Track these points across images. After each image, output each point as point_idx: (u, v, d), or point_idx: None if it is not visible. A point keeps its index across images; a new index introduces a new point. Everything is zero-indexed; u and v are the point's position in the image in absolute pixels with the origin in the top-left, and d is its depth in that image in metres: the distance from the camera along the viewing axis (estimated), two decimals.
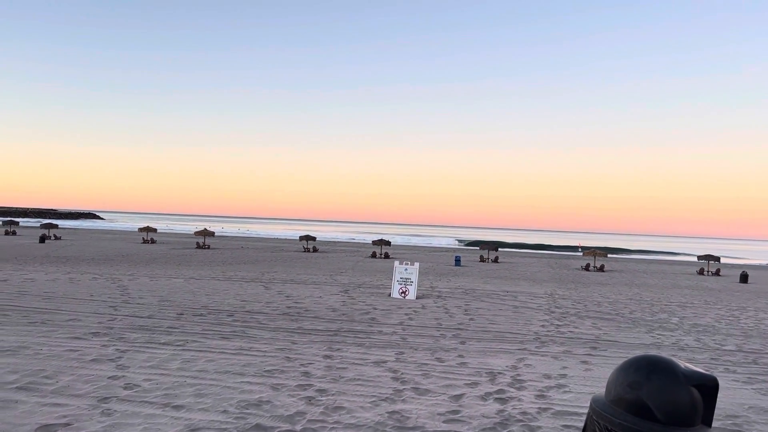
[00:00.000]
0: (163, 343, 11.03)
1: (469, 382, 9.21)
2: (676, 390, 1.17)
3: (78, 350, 10.13)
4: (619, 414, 1.20)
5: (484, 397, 8.36)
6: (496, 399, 8.32)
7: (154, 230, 60.32)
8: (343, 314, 15.54)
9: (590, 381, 9.64)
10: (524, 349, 12.15)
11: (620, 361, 11.44)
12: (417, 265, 19.90)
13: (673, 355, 12.12)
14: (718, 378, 10.32)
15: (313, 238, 53.38)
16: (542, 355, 11.57)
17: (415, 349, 11.58)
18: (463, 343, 12.50)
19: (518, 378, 9.60)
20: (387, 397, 8.07)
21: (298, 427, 6.59)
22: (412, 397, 8.15)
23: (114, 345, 10.68)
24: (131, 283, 20.72)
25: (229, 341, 11.54)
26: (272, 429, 6.50)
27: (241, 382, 8.54)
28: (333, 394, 8.09)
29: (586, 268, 43.36)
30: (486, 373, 9.87)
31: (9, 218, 67.88)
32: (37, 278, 20.73)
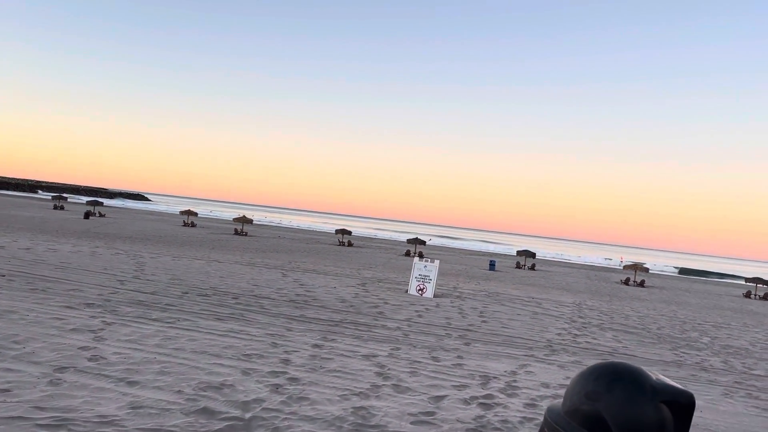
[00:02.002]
0: (154, 319, 10.74)
1: (458, 384, 8.58)
2: (641, 405, 1.00)
3: (63, 319, 9.91)
4: (572, 428, 1.04)
5: (468, 401, 7.72)
6: (481, 404, 7.68)
7: (195, 214, 61.03)
8: (351, 306, 15.05)
9: None
10: (531, 355, 11.42)
11: None
12: (437, 262, 19.27)
13: (693, 375, 11.19)
14: (734, 403, 9.38)
15: (349, 233, 53.08)
16: (548, 363, 10.83)
17: (414, 347, 10.99)
18: (467, 344, 11.85)
19: (513, 384, 8.92)
20: (361, 392, 7.52)
21: (248, 415, 6.11)
22: (389, 395, 7.58)
23: (103, 317, 10.43)
24: (151, 260, 20.70)
25: (222, 323, 11.17)
26: (218, 414, 6.03)
27: (213, 363, 8.13)
28: (304, 384, 7.59)
29: (626, 282, 41.80)
30: (480, 376, 9.22)
31: (58, 194, 69.61)
32: (61, 249, 20.92)
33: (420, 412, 6.96)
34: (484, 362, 10.33)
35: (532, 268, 47.31)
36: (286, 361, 8.70)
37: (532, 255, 47.42)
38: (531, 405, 7.93)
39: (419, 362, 9.72)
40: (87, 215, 52.34)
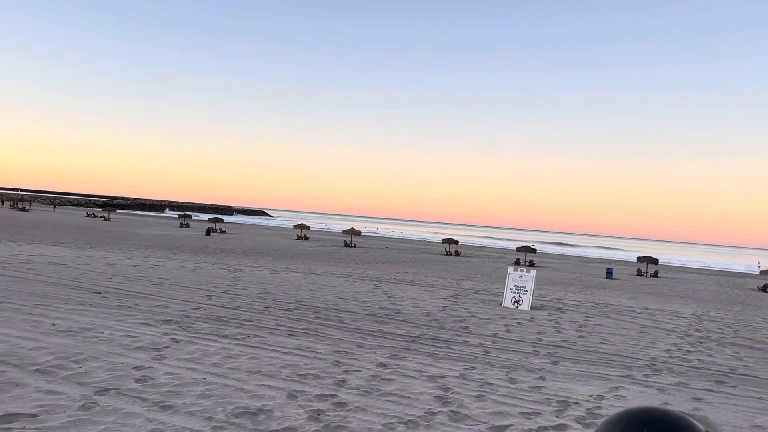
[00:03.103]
0: (224, 336, 10.63)
1: (529, 411, 7.65)
2: None
3: (135, 336, 10.00)
4: None
5: None
6: None
7: (307, 227, 62.75)
8: (435, 320, 14.32)
9: None
10: (627, 376, 10.16)
11: (749, 402, 9.10)
12: (533, 272, 18.07)
13: None
14: None
15: (456, 242, 52.17)
16: (645, 386, 9.55)
17: (492, 366, 10.11)
18: (555, 363, 10.78)
19: (594, 412, 7.85)
20: (410, 420, 6.83)
21: None
22: (442, 423, 6.83)
23: (174, 334, 10.45)
24: (249, 274, 21.06)
25: (293, 339, 10.88)
26: None
27: (262, 385, 7.76)
28: (350, 410, 7.02)
29: (764, 289, 37.75)
30: (558, 402, 8.21)
31: (184, 213, 74.17)
32: (165, 266, 21.81)
33: None
34: (568, 384, 9.27)
35: (655, 275, 44.04)
36: (342, 383, 8.18)
37: (655, 261, 44.17)
38: None
39: (491, 384, 8.86)
40: (208, 232, 55.09)
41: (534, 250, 46.91)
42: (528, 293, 17.68)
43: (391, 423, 6.66)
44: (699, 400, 8.96)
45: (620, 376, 10.17)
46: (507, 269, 17.55)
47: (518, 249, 46.98)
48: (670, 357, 12.15)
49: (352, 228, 55.79)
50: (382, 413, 6.98)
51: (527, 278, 17.88)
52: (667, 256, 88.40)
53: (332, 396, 7.52)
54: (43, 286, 14.52)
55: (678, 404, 8.61)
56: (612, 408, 8.12)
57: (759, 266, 56.60)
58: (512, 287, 17.95)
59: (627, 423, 0.88)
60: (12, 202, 74.91)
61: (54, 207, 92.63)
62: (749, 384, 10.29)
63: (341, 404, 7.20)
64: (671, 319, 18.19)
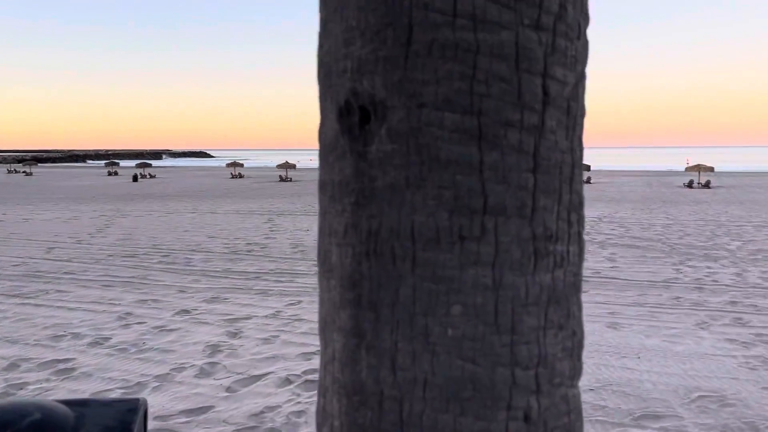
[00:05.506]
0: (17, 294, 9.19)
1: (314, 350, 6.48)
2: None
3: None
4: None
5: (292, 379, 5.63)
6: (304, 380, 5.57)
7: (241, 165, 60.79)
8: (302, 251, 13.08)
9: None
10: None
11: (585, 310, 8.18)
12: None
13: (676, 299, 8.48)
14: (705, 337, 6.72)
15: None
16: None
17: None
18: None
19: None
20: (140, 382, 5.56)
21: None
22: (179, 381, 5.59)
23: None
24: (131, 220, 19.41)
25: (103, 291, 9.49)
26: None
27: None
28: (70, 377, 5.72)
29: (689, 185, 37.67)
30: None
31: (110, 161, 70.77)
32: (36, 218, 19.98)
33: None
34: None
35: (587, 181, 43.74)
36: (101, 341, 6.86)
37: (586, 167, 43.78)
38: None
39: (300, 321, 7.69)
40: (135, 178, 52.36)
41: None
42: None
43: (109, 390, 5.39)
44: None
45: None
46: None
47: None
48: None
49: (286, 162, 53.94)
50: (109, 377, 5.70)
51: None
52: (601, 163, 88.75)
53: (67, 360, 6.20)
54: None
55: None
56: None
57: (687, 164, 56.92)
58: None
59: None
60: None
61: None
62: (602, 288, 9.34)
63: (67, 371, 5.89)
64: None
